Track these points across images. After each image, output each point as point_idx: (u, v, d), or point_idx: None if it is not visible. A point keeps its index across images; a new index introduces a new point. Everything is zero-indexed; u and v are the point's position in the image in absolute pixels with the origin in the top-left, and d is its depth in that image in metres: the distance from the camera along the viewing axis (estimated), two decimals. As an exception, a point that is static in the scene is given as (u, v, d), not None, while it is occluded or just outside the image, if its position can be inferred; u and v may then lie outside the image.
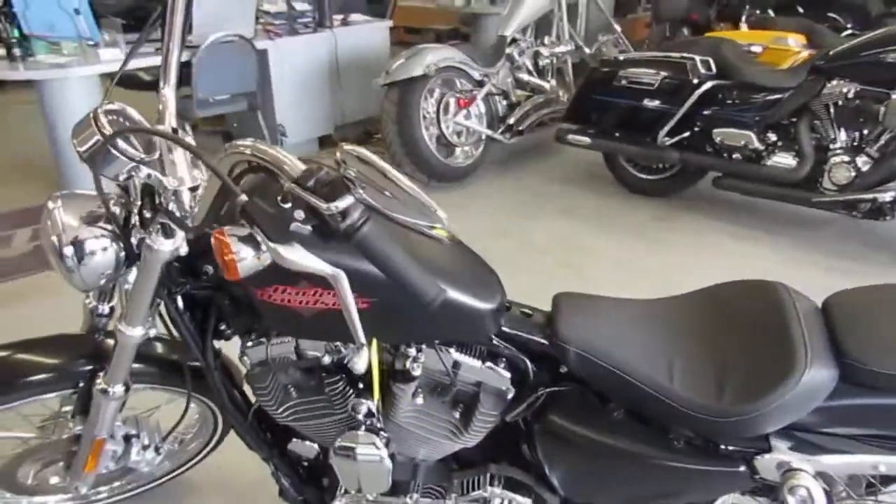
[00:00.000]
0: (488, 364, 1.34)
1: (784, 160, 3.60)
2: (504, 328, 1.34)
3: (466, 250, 1.35)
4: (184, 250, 1.20)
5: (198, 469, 2.02)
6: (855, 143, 3.45)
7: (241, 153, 1.05)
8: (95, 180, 1.12)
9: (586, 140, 4.17)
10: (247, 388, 1.54)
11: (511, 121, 4.65)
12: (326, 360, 1.33)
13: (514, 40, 4.77)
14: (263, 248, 0.99)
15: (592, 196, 4.39)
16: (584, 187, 4.54)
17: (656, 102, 3.83)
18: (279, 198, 0.94)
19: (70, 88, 4.05)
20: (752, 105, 3.66)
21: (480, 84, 4.52)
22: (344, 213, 0.90)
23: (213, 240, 0.99)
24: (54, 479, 1.76)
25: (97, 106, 1.12)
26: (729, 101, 3.72)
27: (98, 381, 1.47)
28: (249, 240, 1.00)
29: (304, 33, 5.01)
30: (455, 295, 1.21)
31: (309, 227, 0.94)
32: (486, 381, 1.35)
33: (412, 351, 1.31)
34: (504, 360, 1.36)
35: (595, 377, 1.29)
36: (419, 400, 1.37)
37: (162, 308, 1.36)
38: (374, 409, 1.34)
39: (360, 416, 1.34)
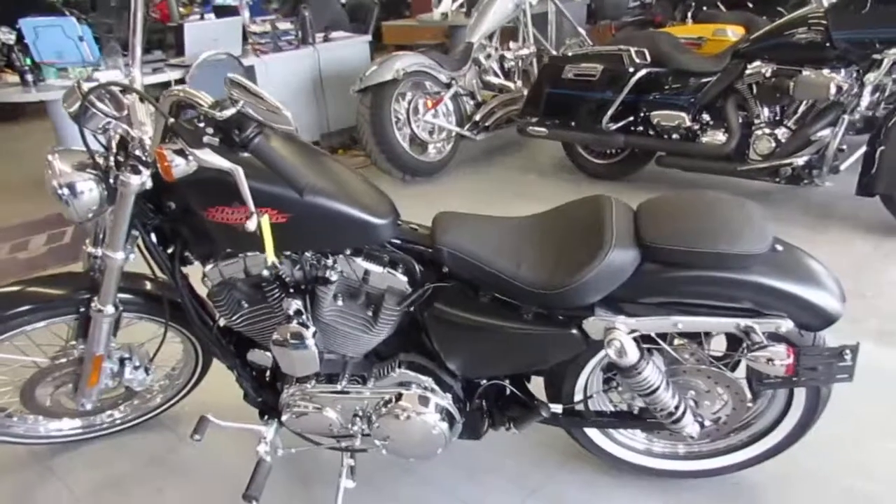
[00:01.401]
0: (388, 269, 1.74)
1: (715, 137, 3.98)
2: (396, 238, 1.74)
3: (363, 178, 1.76)
4: (149, 184, 1.62)
5: (186, 404, 2.44)
6: (776, 118, 3.83)
7: (176, 95, 1.47)
8: (81, 133, 1.55)
9: (544, 131, 4.57)
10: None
11: (477, 118, 5.06)
12: (266, 273, 1.74)
13: (481, 46, 5.20)
14: (189, 156, 1.41)
15: (552, 182, 4.79)
16: (547, 176, 4.95)
17: (598, 91, 4.24)
18: (196, 120, 1.36)
19: (77, 107, 4.51)
20: (684, 89, 4.06)
21: (448, 86, 4.94)
22: (239, 128, 1.31)
23: (155, 154, 1.41)
24: (66, 403, 2.17)
25: (79, 77, 1.55)
26: (665, 87, 4.12)
27: (94, 304, 1.88)
28: (180, 152, 1.41)
29: (287, 50, 5.48)
30: (339, 204, 1.59)
31: (217, 140, 1.36)
32: (389, 283, 1.75)
33: (329, 261, 1.72)
34: (400, 266, 1.76)
35: (466, 270, 1.69)
36: (339, 302, 1.77)
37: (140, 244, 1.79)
38: (301, 307, 1.74)
39: (292, 313, 1.74)
